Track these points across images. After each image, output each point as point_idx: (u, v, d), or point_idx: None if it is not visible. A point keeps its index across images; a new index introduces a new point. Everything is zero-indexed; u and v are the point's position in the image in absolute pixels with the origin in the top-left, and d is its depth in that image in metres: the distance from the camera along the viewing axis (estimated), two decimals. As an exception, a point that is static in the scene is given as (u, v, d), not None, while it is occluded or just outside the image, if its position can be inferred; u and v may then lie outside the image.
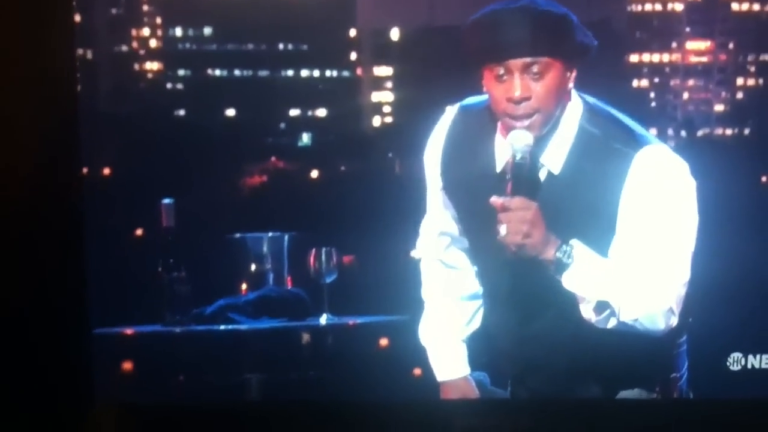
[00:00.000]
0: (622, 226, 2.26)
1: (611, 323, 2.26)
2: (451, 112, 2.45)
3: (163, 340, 3.34)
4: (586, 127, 2.30)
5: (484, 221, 2.31)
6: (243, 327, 3.39)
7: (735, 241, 3.22)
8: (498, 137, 2.34)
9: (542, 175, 2.31)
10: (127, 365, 3.30)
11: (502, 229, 2.21)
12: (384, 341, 3.43)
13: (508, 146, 2.27)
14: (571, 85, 2.28)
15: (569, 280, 2.24)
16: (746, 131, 3.36)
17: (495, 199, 2.21)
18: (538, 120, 2.23)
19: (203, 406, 3.05)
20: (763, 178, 3.31)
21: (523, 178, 2.24)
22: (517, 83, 2.21)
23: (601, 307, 2.24)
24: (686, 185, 2.27)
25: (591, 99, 2.34)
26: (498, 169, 2.34)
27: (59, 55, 2.89)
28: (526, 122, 2.23)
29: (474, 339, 2.60)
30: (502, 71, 2.23)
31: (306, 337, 3.40)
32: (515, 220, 2.19)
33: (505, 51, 2.21)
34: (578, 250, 2.23)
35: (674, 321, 2.27)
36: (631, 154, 2.24)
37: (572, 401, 2.59)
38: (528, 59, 2.21)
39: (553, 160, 2.29)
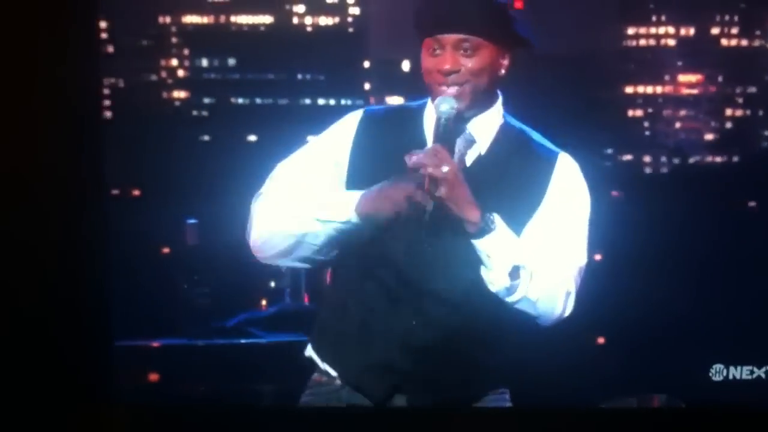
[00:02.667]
0: (543, 214, 2.39)
1: (517, 295, 2.32)
2: (355, 116, 2.54)
3: (187, 352, 3.48)
4: (509, 121, 2.46)
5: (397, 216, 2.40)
6: (262, 340, 3.53)
7: (715, 261, 3.35)
8: (427, 113, 2.46)
9: (470, 152, 2.39)
10: (154, 376, 3.45)
11: (418, 162, 2.18)
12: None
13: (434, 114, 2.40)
14: (503, 72, 2.42)
15: (489, 245, 2.30)
16: (734, 158, 3.51)
17: (408, 155, 2.22)
18: (467, 89, 2.35)
19: (216, 410, 3.23)
20: (751, 203, 3.48)
21: (444, 137, 2.28)
22: (448, 57, 2.36)
23: (515, 272, 2.30)
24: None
25: None
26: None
27: (83, 83, 3.07)
28: (455, 90, 2.38)
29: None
30: (436, 46, 2.38)
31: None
32: (429, 154, 2.20)
33: (438, 27, 2.30)
34: (499, 221, 2.38)
35: (569, 307, 2.40)
36: (555, 154, 2.42)
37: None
38: (459, 36, 2.29)
39: (481, 134, 2.42)
